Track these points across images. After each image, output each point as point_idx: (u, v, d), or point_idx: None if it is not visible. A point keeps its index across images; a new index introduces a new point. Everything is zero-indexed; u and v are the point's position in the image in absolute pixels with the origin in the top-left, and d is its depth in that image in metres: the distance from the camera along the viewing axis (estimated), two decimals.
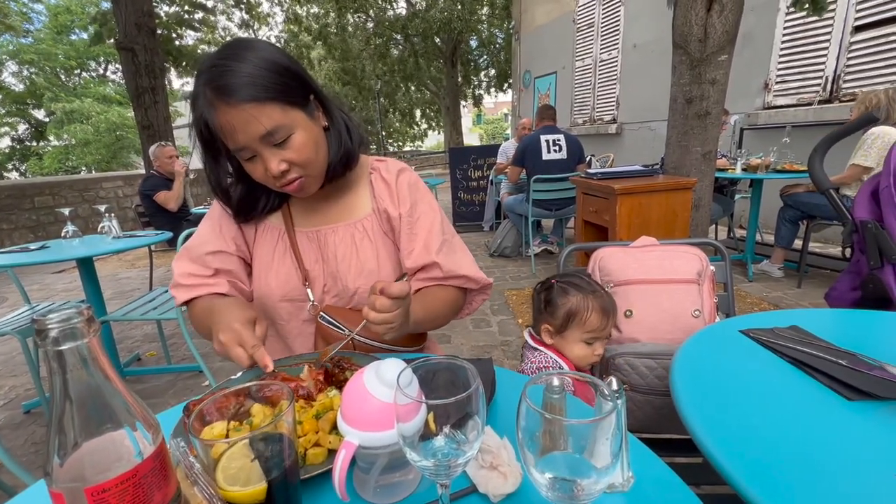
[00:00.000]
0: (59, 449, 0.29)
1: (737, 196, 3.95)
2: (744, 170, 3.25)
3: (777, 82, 4.37)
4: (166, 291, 2.35)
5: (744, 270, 3.33)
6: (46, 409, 1.99)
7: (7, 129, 17.71)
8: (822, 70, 3.99)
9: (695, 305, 1.06)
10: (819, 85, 4.04)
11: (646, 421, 1.05)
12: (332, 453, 0.50)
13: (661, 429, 1.07)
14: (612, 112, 6.76)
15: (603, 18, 6.66)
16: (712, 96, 2.27)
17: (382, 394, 0.42)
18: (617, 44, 6.42)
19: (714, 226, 4.07)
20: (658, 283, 1.07)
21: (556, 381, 0.41)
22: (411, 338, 0.90)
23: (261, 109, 0.67)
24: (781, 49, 4.27)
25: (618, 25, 6.36)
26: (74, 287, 4.13)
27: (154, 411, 0.43)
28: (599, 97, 7.00)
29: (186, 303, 0.83)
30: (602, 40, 6.73)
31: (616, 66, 6.51)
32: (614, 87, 6.62)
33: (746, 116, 4.54)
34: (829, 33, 3.89)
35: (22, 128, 17.78)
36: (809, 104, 4.11)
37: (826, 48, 3.93)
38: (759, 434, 0.56)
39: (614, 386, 0.45)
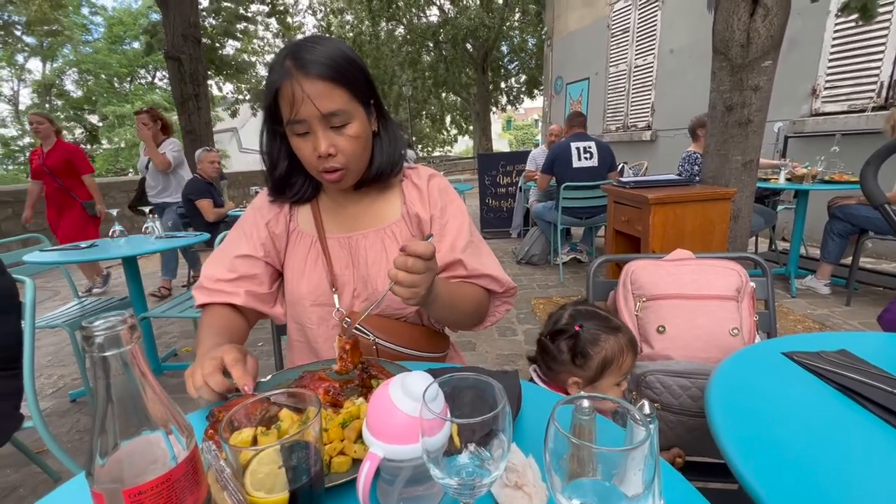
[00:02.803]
0: (101, 450, 0.30)
1: (779, 207, 3.77)
2: (788, 179, 3.10)
3: (826, 88, 4.15)
4: None
5: (786, 285, 3.16)
6: (91, 399, 2.10)
7: (65, 132, 18.98)
8: (877, 75, 3.77)
9: (733, 323, 1.01)
10: (873, 91, 3.81)
11: (677, 442, 1.00)
12: (356, 463, 0.50)
13: (693, 451, 1.02)
14: (646, 119, 6.59)
15: (639, 23, 6.52)
16: (755, 103, 2.18)
17: (408, 407, 0.42)
18: (653, 49, 6.27)
19: (755, 238, 3.90)
20: (693, 299, 1.03)
21: (585, 403, 0.40)
22: (434, 342, 0.90)
23: (331, 89, 0.72)
24: (831, 53, 4.06)
25: (654, 30, 6.21)
26: (119, 283, 4.35)
27: (187, 407, 0.45)
28: (633, 103, 6.85)
29: (202, 306, 0.86)
30: (637, 45, 6.59)
31: (651, 71, 6.35)
32: (649, 93, 6.46)
33: (792, 124, 4.34)
34: (886, 36, 3.67)
35: (78, 132, 19.00)
36: (862, 111, 3.88)
37: (881, 52, 3.71)
38: (801, 464, 0.52)
39: (647, 410, 0.44)
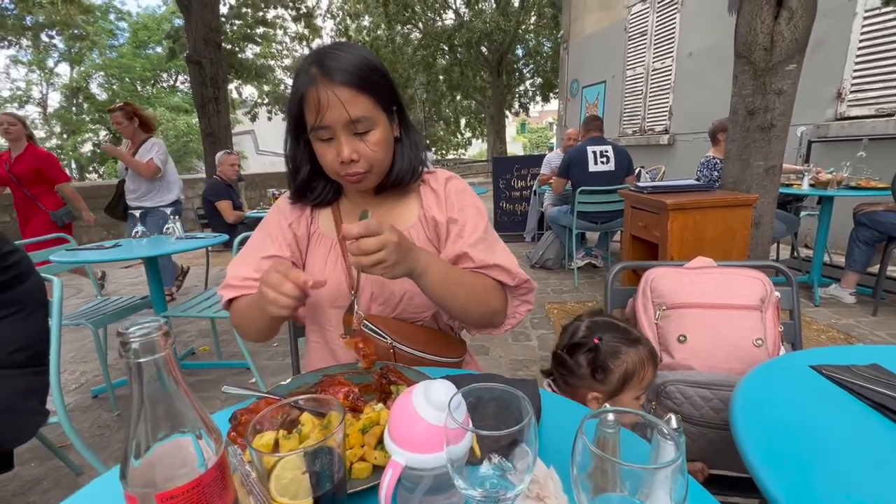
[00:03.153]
0: (136, 453, 0.31)
1: (802, 213, 3.68)
2: (812, 185, 3.02)
3: (852, 91, 4.04)
4: None
5: (809, 294, 3.08)
6: (112, 396, 2.15)
7: (90, 134, 19.58)
8: None
9: (757, 334, 0.99)
10: None
11: (698, 454, 0.98)
12: (376, 469, 0.50)
13: (714, 464, 1.00)
14: (664, 122, 6.50)
15: (657, 26, 6.45)
16: (778, 108, 2.13)
17: (430, 416, 0.42)
18: (671, 52, 6.19)
19: (776, 245, 3.81)
20: (716, 308, 1.01)
21: (611, 416, 0.39)
22: (451, 347, 0.90)
23: (356, 96, 0.73)
24: (858, 55, 3.95)
25: (673, 33, 6.14)
26: (140, 282, 4.46)
27: (205, 404, 0.46)
28: (651, 107, 6.76)
29: (230, 302, 0.86)
30: (655, 48, 6.52)
31: (670, 74, 6.27)
32: (667, 96, 6.38)
33: (816, 128, 4.23)
34: None
35: (102, 133, 19.56)
36: (890, 115, 3.77)
37: None
38: (831, 481, 0.51)
39: (674, 424, 0.43)
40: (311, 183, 0.88)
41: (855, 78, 4.01)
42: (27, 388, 1.25)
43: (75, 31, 16.10)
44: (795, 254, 3.84)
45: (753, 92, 2.15)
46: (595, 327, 0.91)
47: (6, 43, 14.00)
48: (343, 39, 16.32)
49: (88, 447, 1.48)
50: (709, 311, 1.01)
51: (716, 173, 3.25)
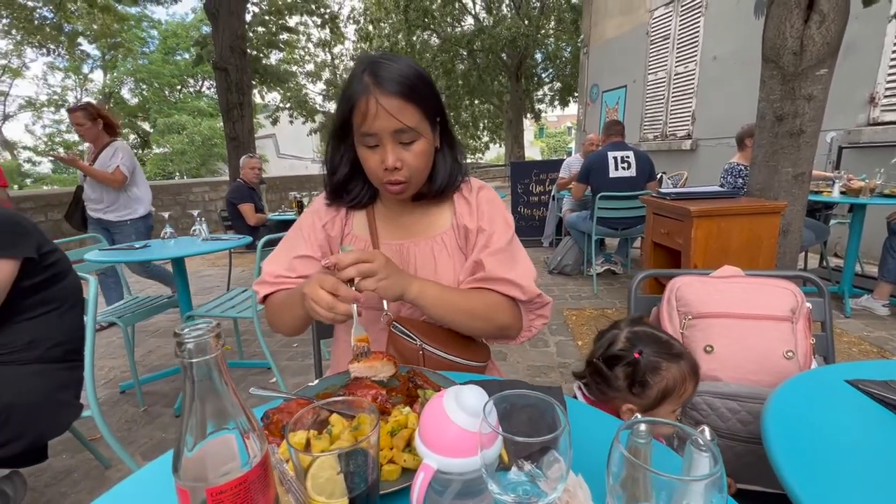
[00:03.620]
0: (188, 448, 0.32)
1: (832, 221, 3.56)
2: (843, 192, 2.93)
3: (886, 95, 3.90)
4: (244, 291, 2.54)
5: (839, 305, 2.98)
6: (139, 392, 2.22)
7: (121, 138, 20.32)
8: None
9: (787, 345, 0.96)
10: None
11: (725, 468, 0.96)
12: (405, 471, 0.51)
13: (741, 478, 0.98)
14: (686, 127, 6.39)
15: (680, 29, 6.36)
16: (808, 113, 2.07)
17: (462, 420, 0.43)
18: (695, 56, 6.09)
19: (804, 254, 3.69)
20: (744, 318, 0.99)
21: (643, 427, 0.39)
22: (475, 351, 0.91)
23: (405, 106, 0.75)
24: (893, 59, 3.82)
25: (696, 36, 6.04)
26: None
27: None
28: (673, 111, 6.66)
29: (265, 298, 0.89)
30: (678, 52, 6.42)
31: (693, 78, 6.17)
32: (690, 101, 6.27)
33: (847, 133, 4.10)
34: None
35: (131, 138, 20.26)
36: None
37: None
38: (872, 501, 0.49)
39: (707, 435, 0.42)
40: (347, 185, 0.90)
41: (889, 82, 3.87)
42: (63, 382, 1.30)
43: (112, 40, 16.77)
44: (824, 263, 3.72)
45: (782, 97, 2.09)
46: (635, 339, 0.87)
47: (45, 51, 14.67)
48: (363, 45, 16.56)
49: (118, 441, 1.52)
50: (737, 321, 0.99)
51: (740, 180, 3.18)
